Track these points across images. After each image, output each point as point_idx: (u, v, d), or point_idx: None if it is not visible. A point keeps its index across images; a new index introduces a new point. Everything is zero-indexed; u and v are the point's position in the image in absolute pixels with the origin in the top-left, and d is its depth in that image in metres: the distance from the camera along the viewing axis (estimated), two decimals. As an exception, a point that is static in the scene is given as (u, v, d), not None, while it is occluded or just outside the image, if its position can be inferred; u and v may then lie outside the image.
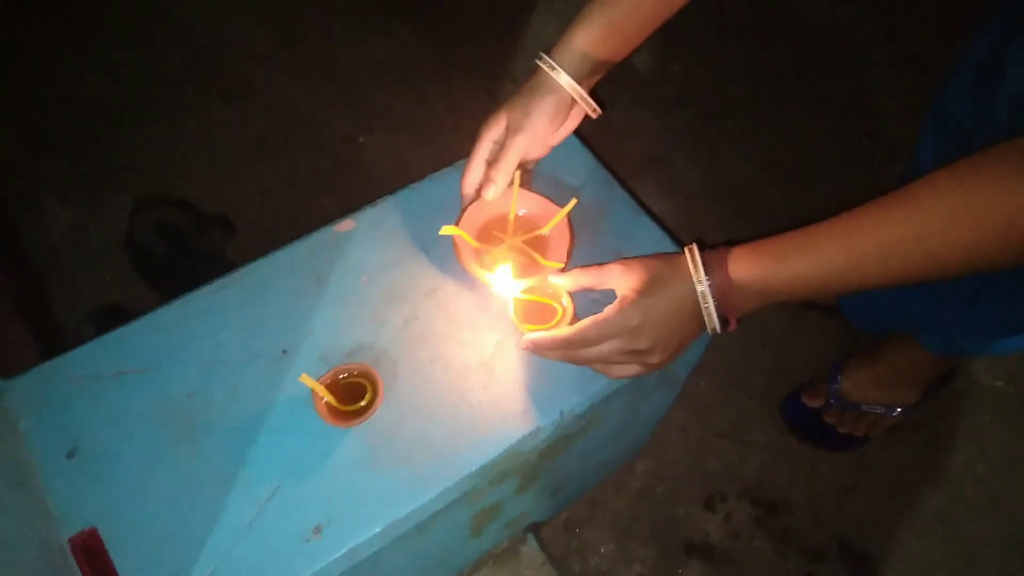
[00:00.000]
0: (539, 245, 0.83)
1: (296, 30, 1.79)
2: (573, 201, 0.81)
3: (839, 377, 1.25)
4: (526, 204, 0.85)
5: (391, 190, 0.89)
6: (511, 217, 0.84)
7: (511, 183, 0.82)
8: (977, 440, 1.31)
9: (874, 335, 1.30)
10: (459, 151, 0.90)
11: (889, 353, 1.23)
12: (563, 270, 0.78)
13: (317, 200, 1.54)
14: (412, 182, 0.90)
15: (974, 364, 1.37)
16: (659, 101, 1.69)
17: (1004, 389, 1.35)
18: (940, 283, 0.67)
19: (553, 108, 0.81)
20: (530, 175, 0.88)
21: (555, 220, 0.82)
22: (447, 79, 1.73)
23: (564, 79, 0.80)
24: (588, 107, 0.84)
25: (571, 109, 0.84)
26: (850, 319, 1.34)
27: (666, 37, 1.80)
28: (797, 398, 1.31)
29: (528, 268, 0.81)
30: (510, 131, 0.81)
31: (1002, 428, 1.32)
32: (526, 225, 0.84)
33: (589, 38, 0.80)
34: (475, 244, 0.81)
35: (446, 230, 0.78)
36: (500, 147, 0.82)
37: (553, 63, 0.81)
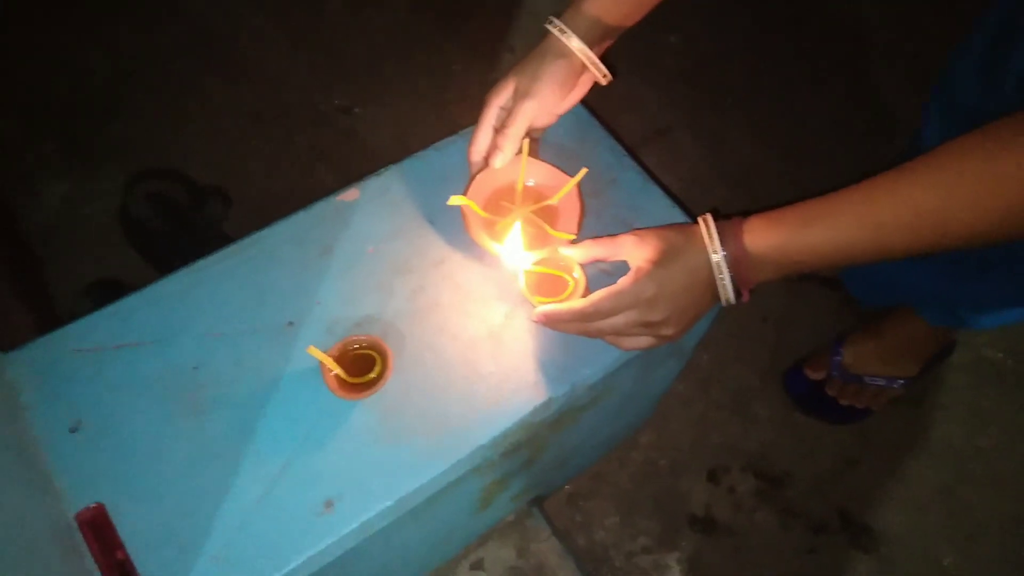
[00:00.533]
0: (548, 216, 0.81)
1: (290, 2, 1.76)
2: (583, 171, 0.80)
3: (841, 349, 1.25)
4: (535, 174, 0.83)
5: (388, 161, 0.87)
6: (519, 187, 0.82)
7: (520, 152, 0.81)
8: (978, 413, 1.31)
9: (875, 308, 1.30)
10: (457, 122, 0.89)
11: (891, 325, 1.23)
12: (574, 241, 0.77)
13: (314, 172, 1.52)
14: (409, 153, 0.88)
15: (975, 336, 1.37)
16: (658, 74, 1.67)
17: (1004, 361, 1.36)
18: (945, 255, 0.66)
19: (563, 73, 0.79)
20: (537, 143, 0.87)
21: (565, 189, 0.81)
22: (443, 50, 1.71)
23: (575, 43, 0.78)
24: (599, 72, 0.82)
25: (581, 75, 0.82)
26: (851, 292, 1.34)
27: (665, 7, 1.78)
28: (799, 371, 1.31)
29: (538, 239, 0.79)
30: (518, 96, 0.79)
31: (1003, 401, 1.32)
32: (535, 195, 0.83)
33: (600, 2, 0.79)
34: (484, 215, 0.80)
35: (454, 200, 0.77)
36: (508, 113, 0.80)
37: (564, 27, 0.79)
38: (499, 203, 0.82)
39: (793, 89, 1.69)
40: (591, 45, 0.80)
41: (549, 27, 0.80)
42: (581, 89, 0.85)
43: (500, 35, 1.74)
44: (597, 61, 0.81)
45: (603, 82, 0.83)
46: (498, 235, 0.79)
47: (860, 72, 1.74)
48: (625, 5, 0.80)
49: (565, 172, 0.82)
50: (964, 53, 0.91)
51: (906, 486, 1.26)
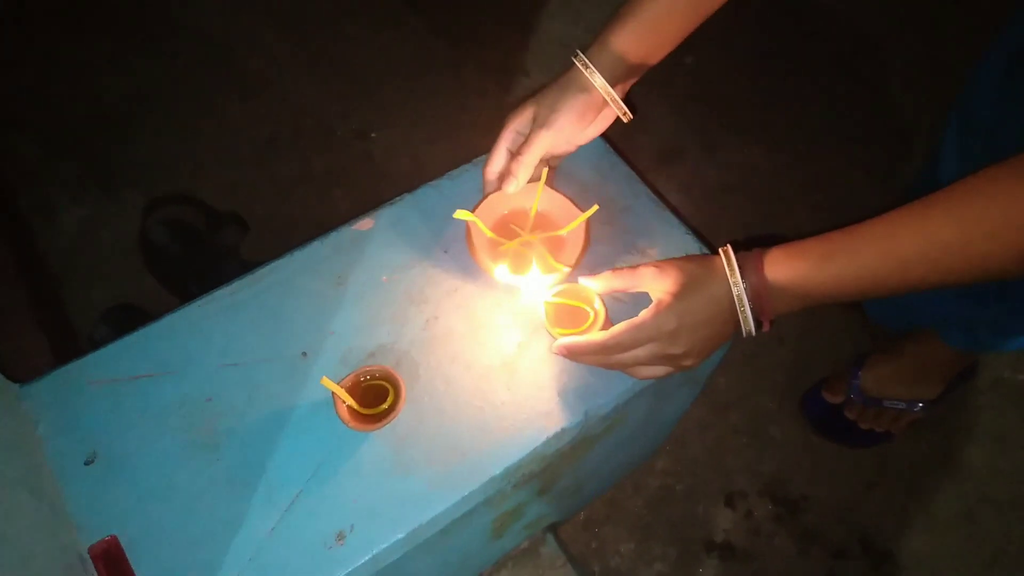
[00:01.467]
0: (552, 245, 0.81)
1: (308, 26, 1.78)
2: (595, 207, 0.79)
3: (860, 372, 1.24)
4: (546, 202, 0.83)
5: (404, 186, 0.87)
6: (532, 212, 0.82)
7: (538, 179, 0.81)
8: (1000, 436, 1.29)
9: (895, 330, 1.28)
10: (472, 147, 0.89)
11: (911, 348, 1.21)
12: (571, 274, 0.77)
13: (330, 196, 1.53)
14: (424, 178, 0.89)
15: (997, 359, 1.35)
16: (673, 94, 1.68)
17: (1026, 383, 1.34)
18: None
19: (582, 107, 0.79)
20: (554, 172, 0.86)
21: (575, 223, 0.80)
22: (459, 74, 1.72)
23: (598, 80, 0.78)
24: (619, 110, 0.82)
25: (601, 110, 0.81)
26: (870, 314, 1.32)
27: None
28: (817, 394, 1.29)
29: (529, 265, 0.79)
30: (536, 125, 0.79)
31: (1025, 423, 1.30)
32: (543, 223, 0.83)
33: (626, 37, 0.78)
34: (489, 233, 0.80)
35: (460, 214, 0.77)
36: (524, 139, 0.80)
37: (588, 62, 0.79)
38: (508, 226, 0.82)
39: (809, 107, 1.69)
40: (615, 82, 0.79)
41: (574, 59, 0.80)
42: (602, 123, 0.84)
43: (515, 59, 1.75)
44: (618, 99, 0.80)
45: (624, 120, 0.83)
46: (499, 257, 0.79)
47: (878, 89, 1.73)
48: (651, 40, 0.79)
49: (576, 202, 0.82)
50: (981, 73, 0.90)
51: (926, 510, 1.24)
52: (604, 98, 0.80)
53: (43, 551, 0.60)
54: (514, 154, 0.80)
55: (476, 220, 0.78)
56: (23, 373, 0.75)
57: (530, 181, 0.81)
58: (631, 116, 0.83)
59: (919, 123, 1.65)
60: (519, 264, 0.80)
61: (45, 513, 0.64)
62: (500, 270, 0.76)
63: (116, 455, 0.70)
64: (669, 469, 1.25)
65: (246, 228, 1.40)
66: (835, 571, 1.19)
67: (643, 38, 0.79)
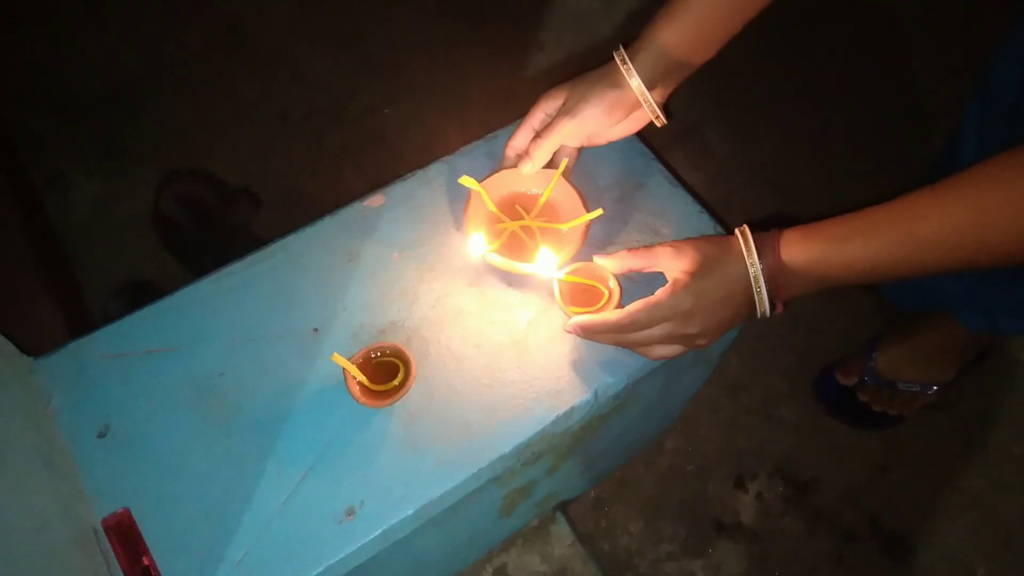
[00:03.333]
0: (547, 235, 0.81)
1: (321, 2, 1.76)
2: (599, 211, 0.79)
3: (874, 354, 1.23)
4: (555, 191, 0.82)
5: (416, 162, 0.87)
6: (542, 200, 0.81)
7: (560, 168, 0.80)
8: (1014, 420, 1.28)
9: (910, 312, 1.27)
10: (485, 123, 0.88)
11: (926, 330, 1.20)
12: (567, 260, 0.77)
13: (342, 173, 1.52)
14: (436, 154, 0.88)
15: (1012, 342, 1.34)
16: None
17: (1042, 368, 1.32)
18: None
19: (611, 103, 0.78)
20: (572, 162, 0.85)
21: (576, 222, 0.79)
22: (473, 50, 1.70)
23: (634, 81, 0.77)
24: (652, 114, 0.80)
25: (633, 110, 0.80)
26: (886, 296, 1.31)
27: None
28: (830, 375, 1.28)
29: (522, 248, 0.80)
30: (562, 112, 0.78)
31: (1040, 408, 1.29)
32: (546, 212, 0.82)
33: (670, 37, 0.76)
34: (491, 207, 0.80)
35: (465, 180, 0.77)
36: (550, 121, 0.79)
37: (627, 59, 0.77)
38: (513, 206, 0.82)
39: (828, 86, 1.67)
40: (653, 84, 0.78)
41: (615, 54, 0.78)
42: (633, 123, 0.83)
43: (530, 35, 1.73)
44: (652, 103, 0.78)
45: (657, 124, 0.81)
46: (496, 234, 0.80)
47: (896, 68, 1.70)
48: (699, 41, 0.77)
49: (585, 197, 0.81)
50: (1005, 49, 0.89)
51: (938, 494, 1.23)
52: (638, 98, 0.78)
53: (57, 522, 0.61)
54: (536, 135, 0.79)
55: (480, 190, 0.78)
56: (37, 347, 0.75)
57: (549, 168, 0.81)
58: (664, 121, 0.81)
59: (941, 104, 1.62)
60: (513, 245, 0.80)
61: (59, 485, 0.65)
62: (475, 243, 0.76)
63: (129, 428, 0.71)
64: (680, 449, 1.25)
65: (258, 204, 1.40)
66: (845, 553, 1.19)
67: (692, 36, 0.77)
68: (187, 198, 1.37)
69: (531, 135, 0.81)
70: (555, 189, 0.81)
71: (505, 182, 0.82)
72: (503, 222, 0.81)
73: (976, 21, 1.71)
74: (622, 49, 0.78)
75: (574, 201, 0.81)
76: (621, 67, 0.77)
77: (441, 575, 1.02)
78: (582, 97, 0.78)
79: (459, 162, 0.87)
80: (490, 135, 0.89)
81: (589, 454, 0.93)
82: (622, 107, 0.79)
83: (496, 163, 0.85)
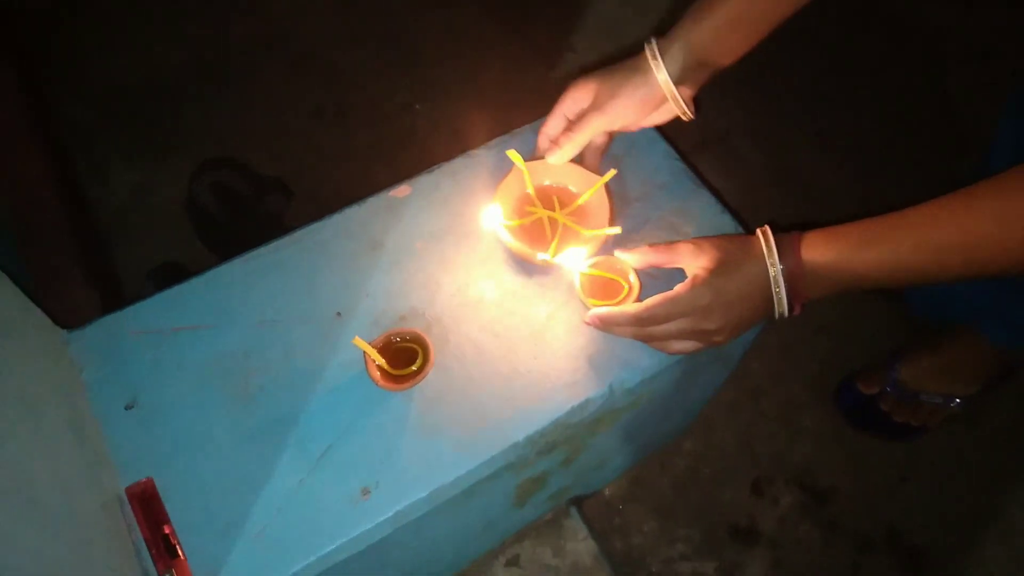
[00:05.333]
0: (578, 218, 0.83)
1: (359, 2, 1.79)
2: (612, 172, 0.81)
3: (898, 364, 1.22)
4: (569, 179, 0.84)
5: (445, 159, 0.89)
6: (577, 202, 0.83)
7: (605, 177, 0.82)
8: (1038, 437, 1.27)
9: (935, 323, 1.26)
10: (514, 122, 0.90)
11: (951, 342, 1.19)
12: (607, 242, 0.78)
13: (373, 168, 1.55)
14: (465, 151, 0.90)
15: (1040, 358, 1.32)
16: (720, 77, 1.65)
17: (1070, 385, 1.31)
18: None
19: (640, 99, 0.79)
20: (601, 152, 0.86)
21: (591, 191, 0.81)
22: (506, 50, 1.72)
23: (662, 75, 0.77)
24: (679, 109, 0.81)
25: (662, 103, 0.81)
26: (911, 307, 1.30)
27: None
28: (852, 384, 1.28)
29: (542, 239, 0.82)
30: (592, 106, 0.79)
31: (1066, 425, 1.27)
32: (576, 210, 0.84)
33: (701, 32, 0.77)
34: (530, 188, 0.83)
35: (512, 155, 0.80)
36: (580, 113, 0.80)
37: (657, 53, 0.78)
38: (548, 197, 0.83)
39: (859, 95, 1.66)
40: (681, 79, 0.78)
41: (646, 46, 0.79)
42: (662, 116, 0.84)
43: (562, 37, 1.75)
44: (678, 98, 0.79)
45: (684, 118, 0.82)
46: (518, 214, 0.82)
47: (931, 80, 1.69)
48: (733, 35, 0.78)
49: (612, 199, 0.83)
50: None
51: (958, 508, 1.22)
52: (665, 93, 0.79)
53: (84, 489, 0.63)
54: (567, 127, 0.81)
55: (524, 167, 0.81)
56: (72, 323, 0.78)
57: (589, 166, 0.83)
58: (691, 116, 0.82)
59: (975, 117, 1.61)
60: (535, 234, 0.82)
61: (87, 453, 0.67)
62: (492, 214, 0.78)
63: (155, 402, 0.73)
64: (697, 451, 1.26)
65: (291, 195, 1.43)
66: (860, 564, 1.18)
67: (719, 34, 0.77)
68: (221, 188, 1.40)
69: (563, 123, 0.82)
70: (565, 178, 0.84)
71: (545, 171, 0.84)
72: (534, 205, 0.82)
73: (1013, 31, 1.69)
74: (653, 42, 0.78)
75: (604, 210, 0.81)
76: (651, 61, 0.78)
77: (454, 561, 1.03)
78: (612, 93, 0.79)
79: (484, 156, 0.89)
80: (515, 131, 0.90)
81: (604, 448, 0.94)
82: (651, 102, 0.80)
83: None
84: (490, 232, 0.82)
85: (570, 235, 0.81)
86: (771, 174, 1.55)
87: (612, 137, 0.86)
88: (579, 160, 0.84)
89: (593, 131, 0.80)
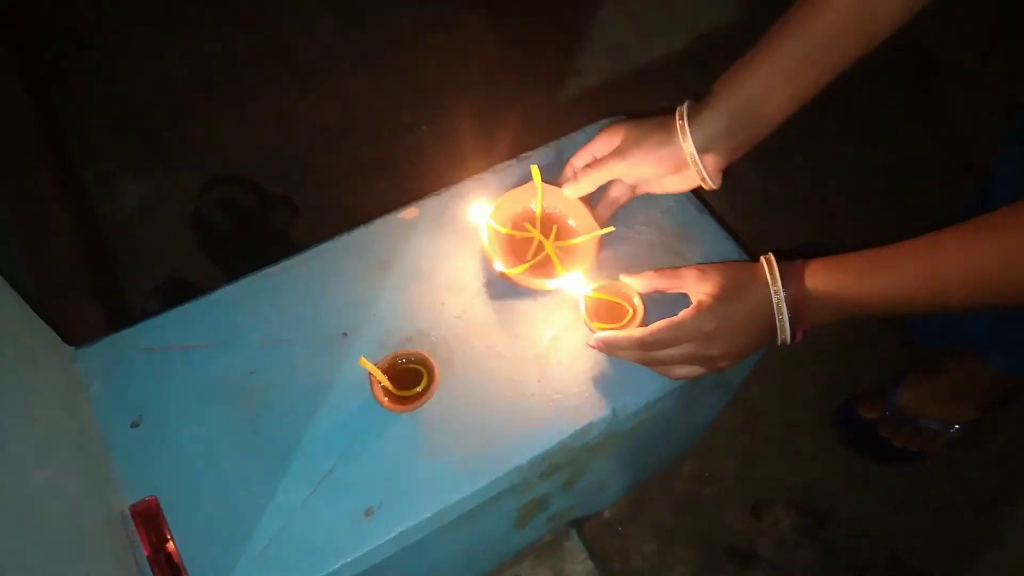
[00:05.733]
0: (561, 251, 0.83)
1: (365, 17, 1.81)
2: (610, 228, 0.83)
3: (898, 389, 1.23)
4: (570, 211, 0.85)
5: (450, 179, 0.90)
6: (577, 241, 0.84)
7: (602, 231, 0.82)
8: (1038, 463, 1.27)
9: (936, 349, 1.27)
10: (520, 143, 0.90)
11: (951, 368, 1.20)
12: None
13: (378, 187, 1.56)
14: (471, 172, 0.91)
15: (1040, 385, 1.32)
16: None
17: (1071, 412, 1.31)
18: None
19: (660, 156, 0.78)
20: (624, 201, 0.86)
21: (586, 238, 0.82)
22: (512, 72, 1.73)
23: (687, 144, 0.76)
24: (699, 175, 0.79)
25: (684, 167, 0.79)
26: (912, 332, 1.31)
27: (725, 35, 1.78)
28: (852, 408, 1.28)
29: (542, 264, 0.83)
30: (615, 151, 0.80)
31: (1066, 452, 1.28)
32: (560, 232, 0.85)
33: (734, 101, 0.75)
34: (539, 202, 0.83)
35: (534, 169, 0.81)
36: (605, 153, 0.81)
37: (685, 117, 0.76)
38: (548, 224, 0.84)
39: (861, 120, 1.67)
40: (707, 147, 0.76)
41: (677, 109, 0.77)
42: (689, 180, 0.81)
43: (568, 60, 1.76)
44: (700, 164, 0.77)
45: (705, 187, 0.81)
46: (514, 252, 0.83)
47: (933, 106, 1.70)
48: (755, 110, 0.75)
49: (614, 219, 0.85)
50: None
51: (958, 533, 1.22)
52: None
53: (89, 505, 0.64)
54: (589, 164, 0.81)
55: (539, 180, 0.82)
56: (78, 338, 0.78)
57: (600, 215, 0.84)
58: (714, 186, 0.80)
59: (977, 137, 1.62)
60: (519, 252, 0.83)
61: (92, 470, 0.68)
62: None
63: (161, 420, 0.73)
64: (697, 474, 1.26)
65: (296, 212, 1.44)
66: (860, 588, 1.18)
67: (750, 104, 0.75)
68: (227, 203, 1.41)
69: (590, 159, 0.82)
70: (569, 211, 0.84)
71: (555, 199, 0.84)
72: (533, 223, 0.84)
73: (1015, 60, 1.71)
74: (685, 105, 0.77)
75: (588, 258, 0.81)
76: (678, 123, 0.77)
77: (454, 583, 1.03)
78: (636, 142, 0.78)
79: (490, 180, 0.90)
80: (522, 155, 0.91)
81: (605, 471, 0.95)
82: (671, 161, 0.78)
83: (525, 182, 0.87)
84: (474, 225, 0.83)
85: (567, 252, 0.82)
86: (773, 203, 1.56)
87: (633, 194, 0.86)
88: (593, 201, 0.85)
89: (611, 174, 0.80)
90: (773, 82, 0.74)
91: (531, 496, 0.83)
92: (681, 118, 0.76)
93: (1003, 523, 1.22)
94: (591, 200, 0.85)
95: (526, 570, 1.09)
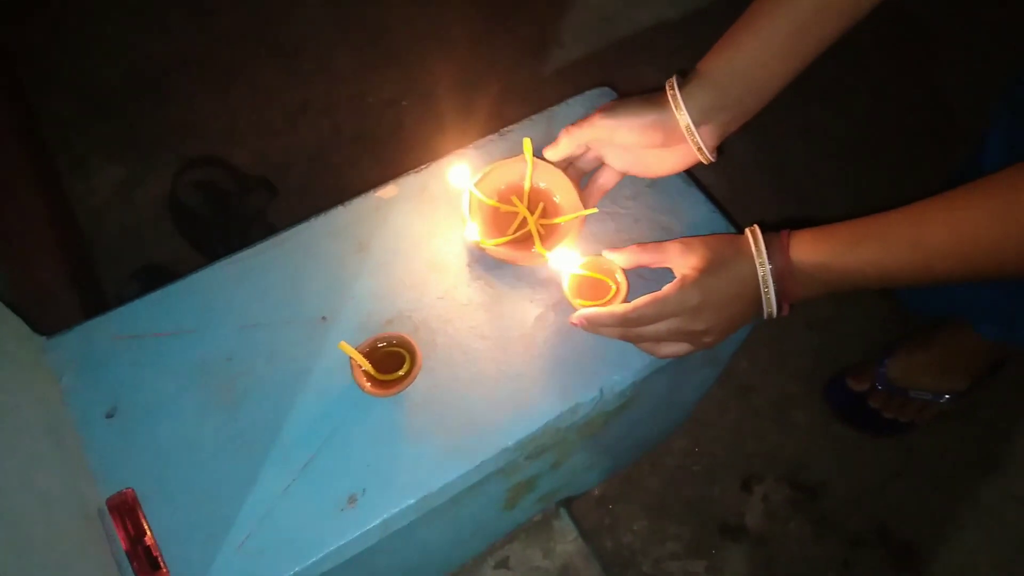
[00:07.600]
0: (549, 230, 0.81)
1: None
2: (594, 209, 0.80)
3: (887, 361, 1.22)
4: (556, 186, 0.82)
5: (433, 155, 0.87)
6: (582, 212, 0.80)
7: (586, 211, 0.79)
8: (1028, 431, 1.27)
9: (926, 318, 1.26)
10: (503, 118, 0.88)
11: (941, 338, 1.19)
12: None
13: (359, 164, 1.53)
14: (453, 147, 0.88)
15: (1029, 353, 1.32)
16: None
17: (1060, 380, 1.31)
18: None
19: (650, 121, 0.74)
20: (611, 184, 0.83)
21: (570, 217, 0.79)
22: (494, 46, 1.70)
23: (682, 115, 0.72)
24: (694, 146, 0.75)
25: (673, 138, 0.75)
26: (902, 302, 1.30)
27: (710, 6, 1.75)
28: (842, 381, 1.28)
29: (523, 239, 0.80)
30: (602, 107, 0.76)
31: (1056, 420, 1.28)
32: (547, 204, 0.82)
33: (725, 72, 0.72)
34: (529, 173, 0.81)
35: (526, 145, 0.79)
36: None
37: (677, 91, 0.72)
38: (535, 200, 0.82)
39: (849, 88, 1.65)
40: (701, 120, 0.73)
41: (667, 83, 0.74)
42: (681, 158, 0.78)
43: (550, 31, 1.73)
44: (696, 136, 0.73)
45: (704, 161, 0.77)
46: (493, 224, 0.80)
47: (923, 73, 1.69)
48: (746, 81, 0.72)
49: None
50: None
51: (949, 503, 1.22)
52: (679, 129, 0.74)
53: (63, 500, 0.62)
54: (573, 123, 0.78)
55: (529, 154, 0.79)
56: (51, 328, 0.76)
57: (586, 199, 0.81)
58: (712, 159, 0.76)
59: (966, 110, 1.60)
60: (501, 224, 0.81)
61: (66, 463, 0.66)
62: (471, 231, 0.77)
63: (136, 410, 0.71)
64: (687, 449, 1.25)
65: (275, 192, 1.41)
66: (851, 559, 1.18)
67: (740, 75, 0.72)
68: (205, 185, 1.38)
69: (583, 141, 0.79)
70: (554, 185, 0.81)
71: (545, 174, 0.81)
72: (520, 197, 0.81)
73: (1005, 28, 1.69)
74: (674, 78, 0.74)
75: (571, 235, 0.78)
76: (668, 94, 0.73)
77: (443, 566, 1.02)
78: (626, 106, 0.75)
79: (472, 155, 0.87)
80: (503, 129, 0.89)
81: (594, 451, 0.93)
82: (660, 128, 0.74)
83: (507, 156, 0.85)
84: (455, 190, 0.81)
85: (549, 229, 0.80)
86: (761, 172, 1.54)
87: (619, 178, 0.83)
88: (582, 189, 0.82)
89: (594, 131, 0.76)
90: (764, 54, 0.71)
91: (519, 478, 0.82)
92: (672, 88, 0.73)
93: (993, 493, 1.22)
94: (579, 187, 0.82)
95: (516, 550, 1.08)
